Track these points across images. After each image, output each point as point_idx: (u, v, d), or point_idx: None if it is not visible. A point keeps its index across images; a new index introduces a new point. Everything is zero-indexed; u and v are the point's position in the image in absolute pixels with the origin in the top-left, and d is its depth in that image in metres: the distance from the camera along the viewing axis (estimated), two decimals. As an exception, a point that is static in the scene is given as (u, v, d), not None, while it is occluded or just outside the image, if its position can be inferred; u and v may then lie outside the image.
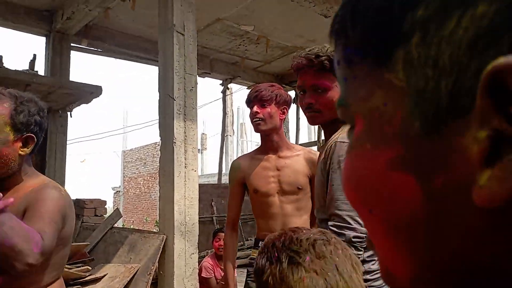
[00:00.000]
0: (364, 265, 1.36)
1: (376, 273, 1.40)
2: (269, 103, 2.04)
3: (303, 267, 0.60)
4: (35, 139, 1.28)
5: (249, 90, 7.99)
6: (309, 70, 1.50)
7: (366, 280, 1.38)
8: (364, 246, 1.28)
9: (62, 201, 1.27)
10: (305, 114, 1.56)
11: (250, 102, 2.08)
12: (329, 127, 1.52)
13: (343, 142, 1.36)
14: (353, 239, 1.26)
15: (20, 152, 1.26)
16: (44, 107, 1.36)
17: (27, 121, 1.25)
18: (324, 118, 1.51)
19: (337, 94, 1.44)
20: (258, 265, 0.65)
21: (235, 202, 2.13)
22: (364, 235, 1.26)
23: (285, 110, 2.11)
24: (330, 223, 1.31)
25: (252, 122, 2.07)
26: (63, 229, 1.27)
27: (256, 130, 2.08)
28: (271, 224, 2.03)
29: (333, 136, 1.46)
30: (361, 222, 1.25)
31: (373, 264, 1.40)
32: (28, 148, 1.27)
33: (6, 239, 1.08)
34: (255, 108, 2.04)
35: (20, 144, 1.25)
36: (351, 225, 1.27)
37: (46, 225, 1.18)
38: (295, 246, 0.63)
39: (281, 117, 2.08)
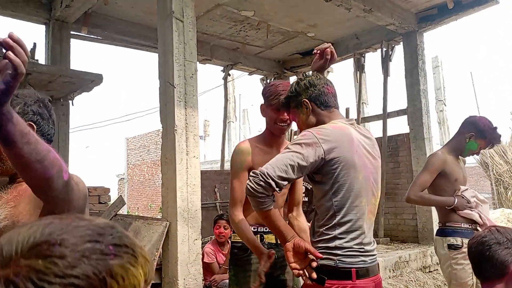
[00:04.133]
0: (335, 242, 1.61)
1: (348, 250, 1.61)
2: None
3: None
4: (35, 126, 1.30)
5: (249, 76, 7.85)
6: None
7: (336, 255, 1.60)
8: (257, 181, 1.55)
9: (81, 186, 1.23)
10: None
11: (280, 107, 2.09)
12: None
13: None
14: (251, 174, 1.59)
15: None
16: (45, 99, 1.37)
17: (23, 111, 1.29)
18: None
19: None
20: None
21: (244, 186, 2.13)
22: None
23: None
24: None
25: (278, 126, 2.12)
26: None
27: (281, 133, 2.18)
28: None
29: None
30: None
31: (346, 242, 1.62)
32: None
33: (39, 146, 0.96)
34: (286, 115, 2.09)
35: None
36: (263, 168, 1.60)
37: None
38: None
39: None
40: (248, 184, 1.55)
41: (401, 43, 6.98)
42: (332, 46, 1.97)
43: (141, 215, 15.19)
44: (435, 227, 6.68)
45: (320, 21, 6.86)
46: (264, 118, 2.18)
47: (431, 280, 6.01)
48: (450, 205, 2.88)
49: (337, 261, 1.59)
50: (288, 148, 1.63)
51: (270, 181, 1.52)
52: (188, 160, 3.72)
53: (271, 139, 2.19)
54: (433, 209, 6.57)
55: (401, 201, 6.96)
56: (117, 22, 6.41)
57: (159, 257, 3.64)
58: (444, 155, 2.94)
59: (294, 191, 2.31)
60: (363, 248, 1.64)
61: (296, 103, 1.83)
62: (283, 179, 1.55)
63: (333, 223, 1.62)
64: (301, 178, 2.27)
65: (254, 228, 2.13)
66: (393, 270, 5.19)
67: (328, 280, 1.58)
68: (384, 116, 7.25)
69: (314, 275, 1.56)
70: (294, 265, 1.59)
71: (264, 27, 6.86)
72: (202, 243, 3.87)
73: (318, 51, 1.96)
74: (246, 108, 23.14)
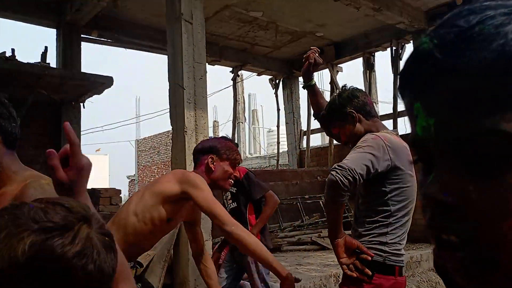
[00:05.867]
0: (388, 237, 1.73)
1: (395, 249, 1.73)
2: None
3: None
4: None
5: (258, 76, 7.84)
6: None
7: (385, 252, 1.72)
8: (346, 175, 1.61)
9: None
10: None
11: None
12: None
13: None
14: (336, 166, 1.65)
15: None
16: (1, 96, 1.24)
17: None
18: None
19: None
20: None
21: None
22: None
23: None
24: None
25: (229, 181, 2.12)
26: None
27: (227, 190, 2.22)
28: (144, 246, 2.05)
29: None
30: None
31: (394, 238, 1.75)
32: None
33: None
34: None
35: None
36: (343, 162, 1.67)
37: None
38: None
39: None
40: (335, 176, 1.60)
41: (411, 41, 6.93)
42: (315, 51, 2.05)
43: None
44: (447, 227, 6.59)
45: (328, 21, 6.84)
46: (213, 170, 2.06)
47: (444, 281, 5.95)
48: None
49: (385, 258, 1.72)
50: (362, 148, 1.69)
51: (357, 176, 1.60)
52: (198, 161, 3.73)
53: None
54: (445, 208, 6.50)
55: (412, 200, 6.90)
56: (127, 24, 6.47)
57: (170, 257, 3.65)
58: None
59: (197, 234, 2.25)
60: (402, 247, 1.79)
61: (340, 115, 1.90)
62: (362, 176, 1.63)
63: (388, 221, 1.75)
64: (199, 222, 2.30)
65: (131, 264, 2.07)
66: (404, 271, 5.16)
67: (377, 274, 1.70)
68: (395, 115, 7.21)
69: (368, 271, 1.67)
70: (344, 260, 1.69)
71: (272, 27, 6.87)
72: (213, 244, 3.87)
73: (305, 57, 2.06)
74: (256, 108, 23.16)
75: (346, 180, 1.59)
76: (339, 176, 1.59)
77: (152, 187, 1.96)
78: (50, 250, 0.53)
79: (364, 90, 1.97)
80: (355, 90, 1.92)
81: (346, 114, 1.87)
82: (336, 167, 1.62)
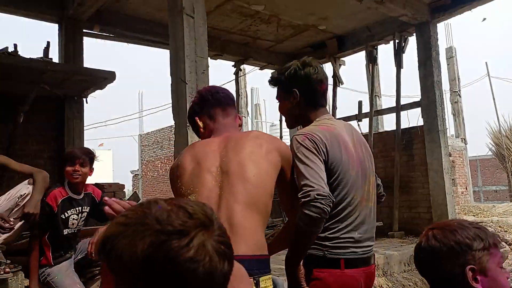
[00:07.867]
0: (325, 232, 1.60)
1: (337, 242, 1.62)
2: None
3: None
4: None
5: (261, 70, 7.84)
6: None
7: (325, 246, 1.61)
8: (330, 204, 1.49)
9: None
10: None
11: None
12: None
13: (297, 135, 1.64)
14: (316, 196, 1.47)
15: None
16: None
17: None
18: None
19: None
20: None
21: None
22: (327, 194, 1.49)
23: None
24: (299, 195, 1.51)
25: None
26: None
27: None
28: None
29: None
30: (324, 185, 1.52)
31: (335, 233, 1.62)
32: None
33: None
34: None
35: None
36: (313, 186, 1.49)
37: None
38: None
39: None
40: (320, 207, 1.45)
41: (414, 34, 6.88)
42: None
43: (156, 210, 15.23)
44: (451, 220, 6.59)
45: (331, 14, 6.80)
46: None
47: (447, 274, 5.95)
48: None
49: (326, 252, 1.61)
50: (306, 158, 1.55)
51: (332, 198, 1.53)
52: (201, 156, 3.73)
53: None
54: (448, 202, 6.50)
55: (415, 194, 6.89)
56: (129, 19, 6.45)
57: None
58: None
59: None
60: (353, 239, 1.64)
61: (285, 88, 1.82)
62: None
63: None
64: None
65: None
66: (408, 264, 5.16)
67: (316, 268, 1.61)
68: (398, 108, 7.18)
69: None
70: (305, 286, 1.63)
71: (274, 21, 6.83)
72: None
73: None
74: (258, 103, 23.12)
75: (327, 208, 1.48)
76: (325, 207, 1.46)
77: (257, 156, 1.46)
78: (166, 252, 0.58)
79: (323, 73, 1.82)
80: (312, 72, 1.77)
81: (290, 90, 1.78)
82: (317, 197, 1.45)
